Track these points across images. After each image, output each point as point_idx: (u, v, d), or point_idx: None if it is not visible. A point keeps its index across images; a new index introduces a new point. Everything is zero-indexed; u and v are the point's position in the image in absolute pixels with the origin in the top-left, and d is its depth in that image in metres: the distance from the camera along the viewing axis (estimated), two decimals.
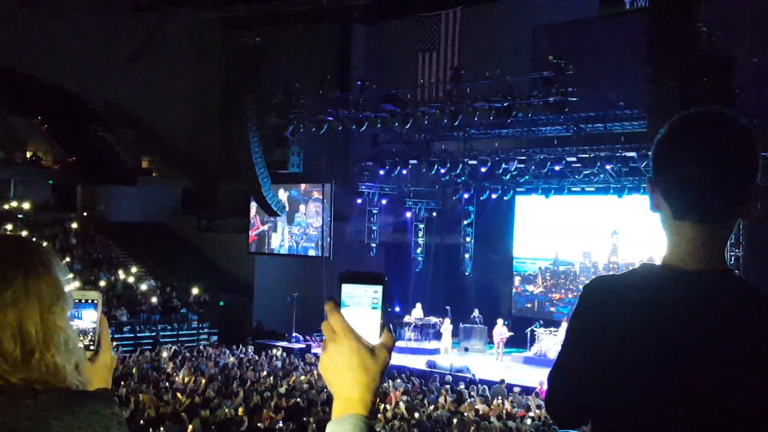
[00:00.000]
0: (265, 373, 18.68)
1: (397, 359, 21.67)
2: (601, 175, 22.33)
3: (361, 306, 1.38)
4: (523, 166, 22.89)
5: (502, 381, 17.51)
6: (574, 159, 21.88)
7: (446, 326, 23.08)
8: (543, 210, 24.93)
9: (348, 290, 1.38)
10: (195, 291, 27.80)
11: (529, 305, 25.63)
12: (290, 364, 20.48)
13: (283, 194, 27.80)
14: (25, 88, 32.68)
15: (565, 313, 23.91)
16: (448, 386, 17.31)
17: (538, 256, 25.56)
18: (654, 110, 17.17)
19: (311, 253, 27.35)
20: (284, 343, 24.59)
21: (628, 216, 22.47)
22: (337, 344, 1.36)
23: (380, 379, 1.37)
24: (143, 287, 27.83)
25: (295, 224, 27.95)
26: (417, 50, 26.81)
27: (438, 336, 23.49)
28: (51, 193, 33.18)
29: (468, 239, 26.90)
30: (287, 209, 27.84)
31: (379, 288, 1.38)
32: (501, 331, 22.28)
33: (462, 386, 17.46)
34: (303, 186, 27.69)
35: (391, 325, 1.41)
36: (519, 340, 22.46)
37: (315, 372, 18.45)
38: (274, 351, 22.61)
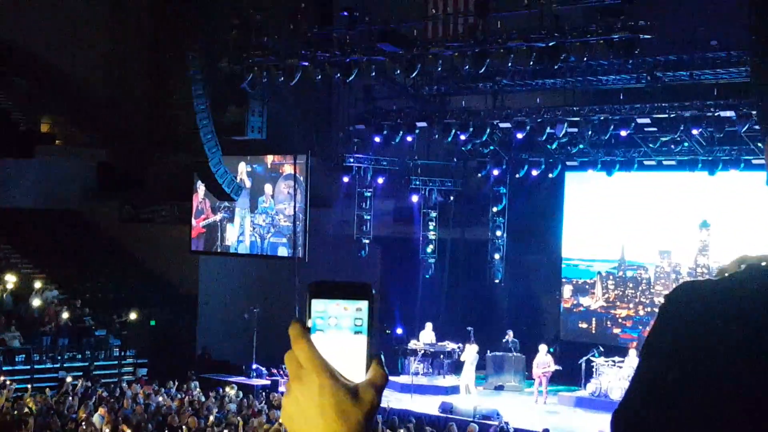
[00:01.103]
0: (212, 419, 18.84)
1: (400, 401, 21.89)
2: (686, 144, 22.37)
3: (339, 329, 1.41)
4: (575, 130, 22.93)
5: (546, 430, 17.70)
6: (647, 120, 22.01)
7: (468, 355, 23.14)
8: (604, 192, 24.91)
9: (320, 307, 1.42)
10: (133, 316, 27.76)
11: (584, 325, 25.77)
12: (249, 407, 20.65)
13: (242, 170, 27.85)
14: None
15: (635, 336, 23.97)
16: None
17: (596, 257, 25.71)
18: (760, 52, 17.11)
19: (282, 252, 27.49)
20: (241, 379, 24.76)
21: (723, 201, 22.57)
22: (303, 383, 1.38)
23: (365, 430, 1.38)
24: (39, 301, 27.67)
25: (259, 211, 28.02)
26: None
27: (457, 368, 23.59)
28: None
29: (499, 233, 26.92)
30: (247, 190, 27.81)
31: (364, 304, 1.42)
32: (544, 361, 22.32)
33: None
34: (269, 159, 27.76)
35: (381, 356, 1.44)
36: (570, 375, 22.55)
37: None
38: (228, 390, 22.84)
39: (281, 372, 24.62)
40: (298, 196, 26.83)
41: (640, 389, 1.60)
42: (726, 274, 1.64)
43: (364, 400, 1.39)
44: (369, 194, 27.11)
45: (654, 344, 1.60)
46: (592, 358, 22.28)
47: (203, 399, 21.61)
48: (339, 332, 1.41)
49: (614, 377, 21.50)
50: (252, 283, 28.01)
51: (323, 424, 1.37)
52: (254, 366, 25.30)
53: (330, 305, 1.42)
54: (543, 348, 22.67)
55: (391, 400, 21.47)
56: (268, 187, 27.86)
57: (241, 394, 22.42)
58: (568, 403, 22.07)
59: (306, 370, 1.39)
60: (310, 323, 1.42)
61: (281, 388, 23.23)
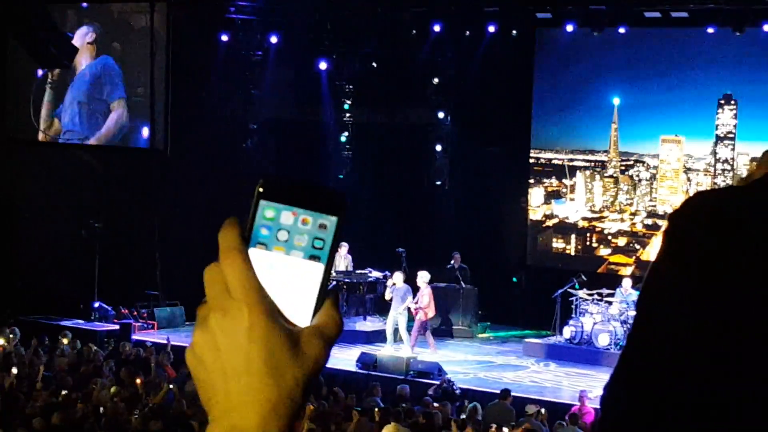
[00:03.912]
0: (39, 382, 18.80)
1: None
2: None
3: (289, 249, 1.44)
4: None
5: (507, 393, 18.07)
6: None
7: (396, 284, 23.16)
8: (588, 57, 25.34)
9: (270, 213, 1.44)
10: None
11: (561, 245, 26.30)
12: (89, 362, 20.86)
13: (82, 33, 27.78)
14: None
15: (631, 261, 24.57)
16: (404, 405, 17.47)
17: (578, 147, 26.14)
18: None
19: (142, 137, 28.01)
20: (78, 323, 24.94)
21: (754, 68, 23.03)
22: (228, 317, 1.40)
23: (302, 396, 1.42)
24: None
25: None
26: None
27: (383, 307, 23.90)
28: None
29: (441, 115, 27.17)
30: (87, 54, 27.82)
31: (331, 221, 1.45)
32: (424, 291, 22.28)
33: (434, 405, 17.66)
34: (115, 8, 28.26)
35: (339, 296, 1.48)
36: (539, 314, 23.24)
37: (141, 380, 18.45)
38: (62, 339, 22.82)
39: (137, 312, 24.99)
40: (157, 62, 26.60)
41: (644, 357, 1.61)
42: (756, 178, 1.68)
43: (306, 354, 1.40)
44: (259, 59, 27.15)
45: (662, 286, 1.61)
46: (570, 291, 22.64)
47: (22, 351, 21.59)
48: (288, 253, 1.43)
49: (601, 317, 21.77)
50: (91, 186, 27.49)
51: (246, 381, 1.38)
52: (96, 304, 25.43)
53: (284, 213, 1.44)
54: (421, 277, 22.60)
55: None
56: (117, 47, 27.90)
57: (79, 344, 22.36)
58: (537, 353, 22.56)
59: (235, 300, 1.39)
60: (250, 232, 1.43)
61: (137, 335, 23.68)
